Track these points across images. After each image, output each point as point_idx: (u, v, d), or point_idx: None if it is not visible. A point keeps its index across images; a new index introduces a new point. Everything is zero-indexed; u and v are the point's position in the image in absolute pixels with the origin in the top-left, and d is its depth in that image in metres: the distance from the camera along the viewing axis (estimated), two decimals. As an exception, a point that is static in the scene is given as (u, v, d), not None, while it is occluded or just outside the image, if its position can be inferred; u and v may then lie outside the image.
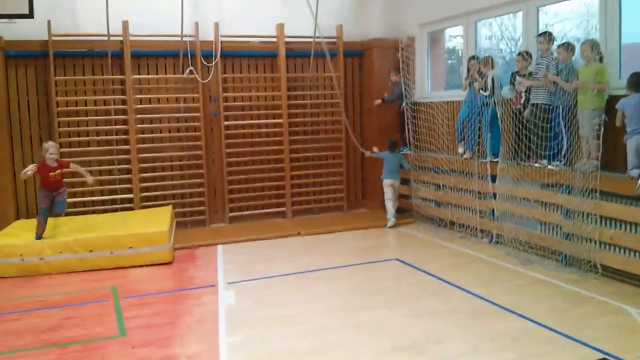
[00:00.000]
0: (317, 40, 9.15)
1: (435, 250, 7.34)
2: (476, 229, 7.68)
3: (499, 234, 7.26)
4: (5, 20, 7.64)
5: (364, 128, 9.99)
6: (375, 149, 8.93)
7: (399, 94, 9.10)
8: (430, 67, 9.49)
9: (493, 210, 7.35)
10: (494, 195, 7.32)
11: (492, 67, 7.42)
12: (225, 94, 9.04)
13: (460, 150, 8.00)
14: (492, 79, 7.33)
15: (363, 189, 10.14)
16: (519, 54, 7.07)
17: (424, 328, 4.75)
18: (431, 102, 8.89)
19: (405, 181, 9.10)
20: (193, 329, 4.89)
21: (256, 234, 8.29)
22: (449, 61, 9.91)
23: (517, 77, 6.95)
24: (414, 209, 8.96)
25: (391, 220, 8.62)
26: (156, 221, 7.39)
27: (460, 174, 7.91)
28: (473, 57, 7.83)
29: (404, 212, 9.08)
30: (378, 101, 9.34)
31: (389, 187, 8.71)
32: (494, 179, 7.33)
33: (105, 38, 8.20)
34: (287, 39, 9.19)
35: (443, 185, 8.32)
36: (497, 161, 7.21)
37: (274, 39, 9.22)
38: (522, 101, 6.94)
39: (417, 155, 8.85)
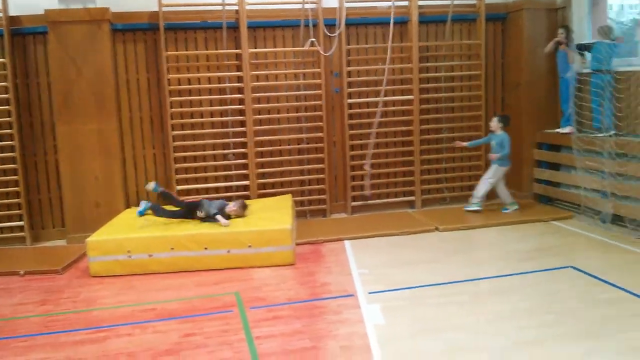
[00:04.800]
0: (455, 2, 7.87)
1: (616, 255, 5.91)
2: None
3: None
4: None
5: (506, 106, 8.58)
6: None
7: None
8: (591, 32, 7.91)
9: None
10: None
11: None
12: (348, 68, 7.96)
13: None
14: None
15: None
16: None
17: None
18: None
19: (555, 166, 7.82)
20: (342, 360, 3.92)
21: (386, 227, 7.21)
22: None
23: None
24: (573, 200, 7.49)
25: (514, 206, 7.63)
26: (277, 216, 6.46)
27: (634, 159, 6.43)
28: None
29: (555, 203, 7.69)
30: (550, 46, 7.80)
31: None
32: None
33: (219, 7, 7.34)
34: (420, 2, 7.94)
35: (615, 173, 6.80)
36: None
37: (405, 2, 8.00)
38: None
39: (579, 137, 7.36)
